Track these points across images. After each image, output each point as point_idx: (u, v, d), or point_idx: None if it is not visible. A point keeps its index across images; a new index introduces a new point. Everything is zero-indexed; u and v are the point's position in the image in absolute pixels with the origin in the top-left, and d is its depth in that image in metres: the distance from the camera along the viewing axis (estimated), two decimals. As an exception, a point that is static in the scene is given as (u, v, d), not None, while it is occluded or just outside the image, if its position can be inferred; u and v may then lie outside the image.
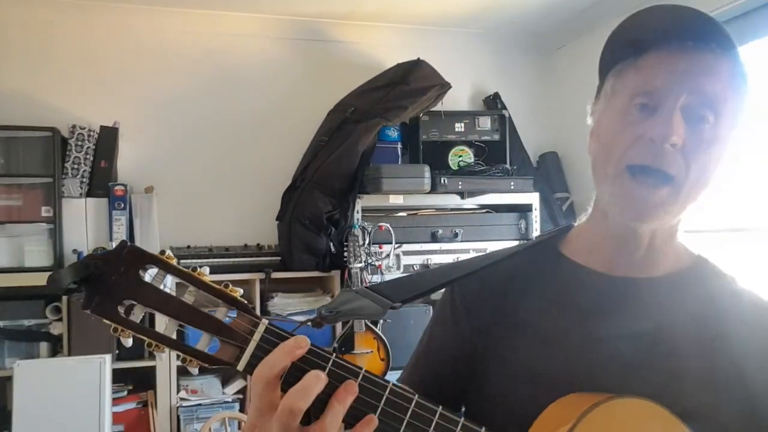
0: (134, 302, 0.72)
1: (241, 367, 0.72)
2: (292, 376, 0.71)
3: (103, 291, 0.71)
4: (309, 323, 0.87)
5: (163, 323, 0.74)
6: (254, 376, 0.71)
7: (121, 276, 0.72)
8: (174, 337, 0.73)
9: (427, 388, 0.93)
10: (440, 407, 0.76)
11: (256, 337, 0.72)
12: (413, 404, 0.74)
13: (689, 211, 0.90)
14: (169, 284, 0.75)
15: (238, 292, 0.75)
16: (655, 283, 0.93)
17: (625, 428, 0.82)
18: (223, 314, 0.74)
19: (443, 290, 1.03)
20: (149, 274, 0.74)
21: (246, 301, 0.74)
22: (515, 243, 3.43)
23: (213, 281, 0.75)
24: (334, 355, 0.75)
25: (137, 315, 0.73)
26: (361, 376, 0.74)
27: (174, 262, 0.74)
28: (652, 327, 0.89)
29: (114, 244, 3.12)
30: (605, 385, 0.85)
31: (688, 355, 0.88)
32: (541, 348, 0.91)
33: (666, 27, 0.86)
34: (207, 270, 0.75)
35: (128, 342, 0.73)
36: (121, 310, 0.72)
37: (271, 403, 0.70)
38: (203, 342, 0.73)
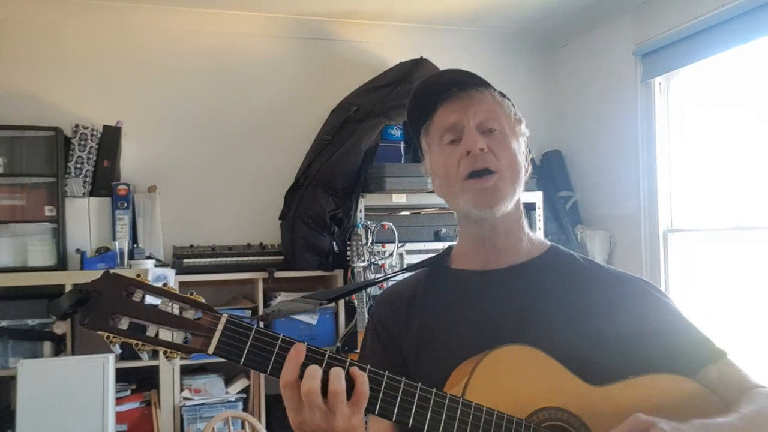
0: (120, 315, 0.91)
1: (211, 350, 0.92)
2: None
3: (95, 310, 0.90)
4: (260, 318, 1.21)
5: (145, 329, 0.93)
6: (282, 386, 0.93)
7: (107, 297, 0.90)
8: (154, 336, 0.92)
9: None
10: (386, 372, 0.98)
11: (220, 327, 0.93)
12: (367, 371, 0.97)
13: (518, 193, 1.21)
14: (147, 299, 0.94)
15: (200, 298, 0.95)
16: (518, 269, 1.22)
17: (515, 366, 1.06)
18: (192, 315, 0.93)
19: (367, 320, 1.37)
20: (130, 293, 0.92)
21: (207, 303, 0.95)
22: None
23: (179, 292, 0.94)
24: (328, 352, 0.96)
25: (124, 325, 0.91)
26: (347, 364, 0.96)
27: (147, 282, 0.94)
28: (520, 302, 1.18)
29: (117, 244, 3.12)
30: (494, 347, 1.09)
31: (552, 319, 1.15)
32: (442, 338, 1.18)
33: (440, 88, 1.22)
34: (173, 283, 0.93)
35: (116, 349, 0.93)
36: (111, 322, 0.90)
37: (300, 399, 0.92)
38: (178, 337, 0.93)
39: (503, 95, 1.27)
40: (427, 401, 0.98)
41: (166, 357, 0.93)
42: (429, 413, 0.97)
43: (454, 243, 1.33)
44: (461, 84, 1.22)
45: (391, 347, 1.23)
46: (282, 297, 3.26)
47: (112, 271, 0.93)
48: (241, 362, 0.93)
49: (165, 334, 0.93)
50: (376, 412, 0.96)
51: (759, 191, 2.90)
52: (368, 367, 0.96)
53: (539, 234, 3.40)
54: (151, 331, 0.92)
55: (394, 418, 0.96)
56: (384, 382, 0.97)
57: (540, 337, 1.10)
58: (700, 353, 1.15)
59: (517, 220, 1.23)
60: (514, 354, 1.06)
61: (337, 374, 0.93)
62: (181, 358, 0.94)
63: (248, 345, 0.93)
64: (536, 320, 1.15)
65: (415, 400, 0.97)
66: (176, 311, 0.93)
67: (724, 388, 1.12)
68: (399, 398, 0.97)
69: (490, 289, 1.21)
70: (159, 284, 0.93)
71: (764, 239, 2.87)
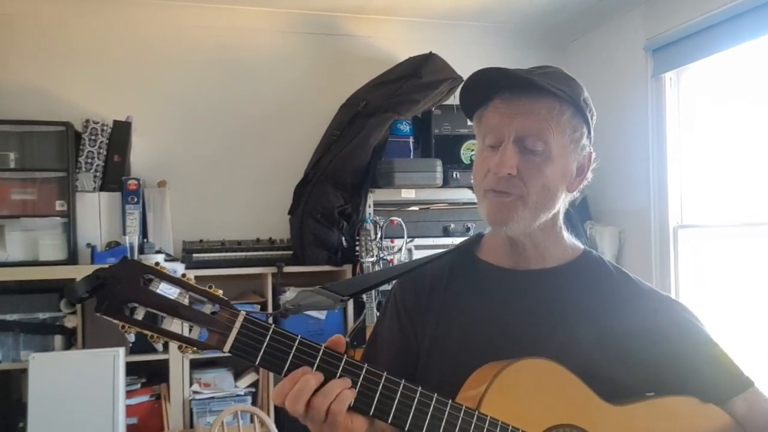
0: (136, 304, 0.89)
1: (226, 348, 0.90)
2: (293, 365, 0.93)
3: (111, 297, 0.89)
4: (278, 314, 1.11)
5: (160, 319, 0.92)
6: (288, 408, 0.92)
7: (124, 284, 0.89)
8: (169, 329, 0.91)
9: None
10: (403, 380, 0.96)
11: (237, 324, 0.91)
12: (383, 379, 0.95)
13: (544, 217, 1.13)
14: (164, 289, 0.92)
15: (219, 292, 0.93)
16: (548, 273, 1.18)
17: (533, 382, 1.03)
18: (209, 309, 0.91)
19: (388, 295, 1.29)
20: (147, 282, 0.90)
21: (226, 298, 0.93)
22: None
23: (198, 284, 0.92)
24: (322, 348, 0.95)
25: (139, 314, 0.90)
26: (343, 360, 0.94)
27: (165, 271, 0.92)
28: (546, 308, 1.14)
29: (127, 238, 3.13)
30: (513, 354, 1.06)
31: (576, 330, 1.11)
32: (459, 333, 1.15)
33: (485, 83, 1.12)
34: (192, 275, 0.90)
35: (131, 337, 0.95)
36: (126, 311, 0.89)
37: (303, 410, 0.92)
38: (194, 332, 0.91)
39: (582, 103, 1.13)
40: (442, 413, 0.96)
41: (180, 350, 0.92)
42: (443, 425, 0.96)
43: (485, 231, 1.28)
44: (517, 88, 1.11)
45: (410, 331, 1.20)
46: (291, 291, 3.27)
47: (129, 258, 0.92)
48: (257, 362, 0.91)
49: (180, 327, 0.91)
50: (390, 421, 0.95)
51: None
52: (384, 374, 0.95)
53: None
54: (166, 323, 0.91)
55: (407, 428, 0.95)
56: (399, 392, 0.95)
57: (562, 350, 1.08)
58: (729, 383, 1.12)
59: (549, 230, 1.18)
60: (534, 368, 1.03)
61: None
62: (193, 353, 0.92)
63: (265, 345, 0.91)
64: (560, 330, 1.12)
65: (430, 410, 0.96)
66: (194, 304, 0.91)
67: (752, 420, 1.10)
68: (414, 407, 0.95)
69: (516, 291, 1.17)
70: (177, 275, 0.92)
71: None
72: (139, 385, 3.05)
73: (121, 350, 2.77)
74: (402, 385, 0.95)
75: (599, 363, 1.08)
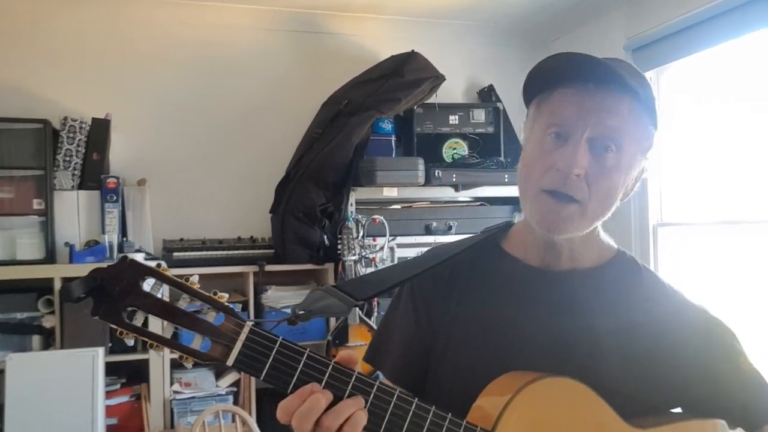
0: (136, 308, 0.85)
1: (230, 362, 0.85)
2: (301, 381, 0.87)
3: (109, 299, 0.84)
4: (286, 322, 1.00)
5: (161, 325, 0.87)
6: (294, 427, 0.87)
7: (123, 286, 0.84)
8: (170, 337, 0.86)
9: (405, 377, 1.11)
10: (416, 399, 0.91)
11: (242, 336, 0.85)
12: (395, 398, 0.90)
13: (599, 222, 1.06)
14: (165, 293, 0.87)
15: (225, 297, 0.87)
16: (579, 276, 1.09)
17: (553, 403, 0.96)
18: (213, 317, 0.86)
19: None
20: (148, 284, 0.86)
21: (231, 306, 0.88)
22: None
23: (201, 289, 0.87)
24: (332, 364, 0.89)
25: (138, 319, 0.85)
26: (353, 377, 0.89)
27: (168, 273, 0.86)
28: (576, 314, 1.05)
29: (106, 237, 3.10)
30: (537, 363, 0.99)
31: (608, 339, 1.03)
32: (485, 333, 1.06)
33: (573, 69, 1.01)
34: (197, 278, 0.87)
35: (131, 342, 0.89)
36: (124, 315, 0.84)
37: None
38: (196, 341, 0.86)
39: (654, 108, 1.03)
40: None
41: (181, 360, 0.86)
42: None
43: (513, 220, 1.19)
44: (601, 80, 0.99)
45: (425, 322, 1.12)
46: (272, 290, 3.26)
47: (129, 258, 0.86)
48: (262, 377, 0.86)
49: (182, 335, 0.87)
50: None
51: (748, 186, 2.92)
52: (397, 392, 0.90)
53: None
54: (167, 331, 0.85)
55: None
56: (412, 411, 0.90)
57: (585, 363, 1.01)
58: (762, 409, 1.05)
59: (589, 233, 1.08)
60: (556, 387, 0.96)
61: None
62: (194, 364, 0.87)
63: (271, 359, 0.86)
64: (585, 341, 1.03)
65: None
66: (197, 311, 0.86)
67: None
68: (426, 428, 0.91)
69: (542, 293, 1.08)
70: (182, 278, 0.88)
71: (752, 233, 2.89)
72: (118, 386, 3.02)
73: (101, 350, 2.75)
74: (414, 404, 0.90)
75: (625, 382, 1.01)
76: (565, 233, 1.02)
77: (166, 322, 0.86)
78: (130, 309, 0.84)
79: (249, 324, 0.86)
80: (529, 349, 1.02)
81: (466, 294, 1.11)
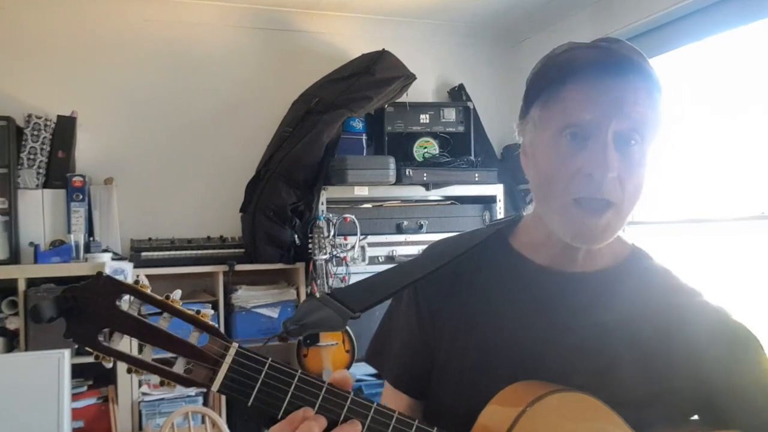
0: (112, 330, 0.79)
1: (215, 388, 0.79)
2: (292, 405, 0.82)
3: (83, 321, 0.77)
4: (276, 338, 0.96)
5: (139, 348, 0.81)
6: None
7: (99, 306, 0.78)
8: (151, 360, 0.80)
9: (406, 379, 1.06)
10: (416, 421, 0.85)
11: (228, 359, 0.80)
12: (394, 420, 0.85)
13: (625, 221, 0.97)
14: (144, 312, 0.81)
15: (208, 315, 0.82)
16: (592, 278, 1.00)
17: (566, 419, 0.88)
18: (195, 338, 0.81)
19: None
20: (125, 302, 0.79)
21: (216, 326, 0.82)
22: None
23: (184, 307, 0.81)
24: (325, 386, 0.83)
25: (116, 341, 0.79)
26: (349, 399, 0.83)
27: (148, 290, 0.80)
28: (588, 319, 0.97)
29: (72, 237, 3.04)
30: (548, 371, 0.93)
31: (622, 346, 0.95)
32: (490, 333, 0.99)
33: (585, 61, 0.91)
34: (179, 294, 0.82)
35: (109, 365, 0.82)
36: (100, 338, 0.78)
37: None
38: (179, 365, 0.80)
39: (660, 91, 0.94)
40: None
41: (163, 385, 0.81)
42: None
43: (522, 213, 1.11)
44: (618, 69, 0.90)
45: (428, 323, 1.04)
46: (242, 290, 3.23)
47: (104, 275, 0.79)
48: (249, 402, 0.80)
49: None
50: None
51: (713, 185, 2.97)
52: (396, 414, 0.85)
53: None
54: (146, 354, 0.79)
55: None
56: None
57: (598, 374, 0.94)
58: None
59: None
60: (569, 402, 0.89)
61: None
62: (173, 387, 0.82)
63: (259, 383, 0.80)
64: (600, 348, 0.95)
65: None
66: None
67: None
68: None
69: (555, 296, 0.99)
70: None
71: (720, 232, 2.95)
72: (85, 388, 2.97)
73: (67, 352, 2.70)
74: (415, 427, 0.85)
75: (638, 388, 0.94)
76: (603, 243, 0.95)
77: (146, 345, 0.80)
78: (106, 330, 0.79)
79: (235, 345, 0.80)
80: (539, 356, 0.95)
81: (472, 295, 1.03)
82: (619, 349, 0.95)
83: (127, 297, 0.79)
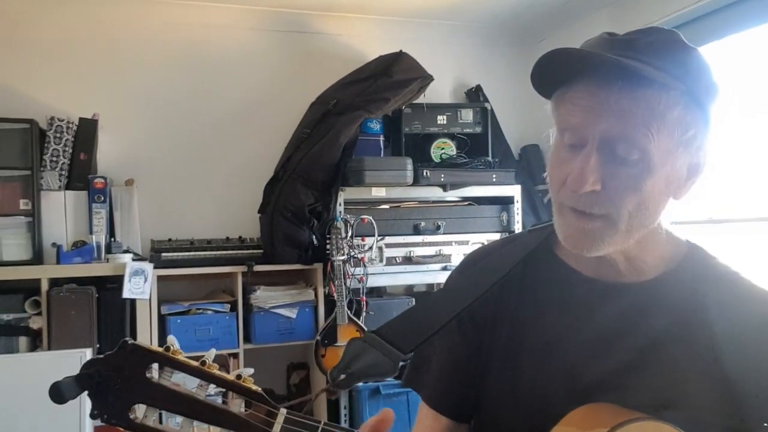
0: (144, 404, 0.71)
1: None
2: None
3: (111, 398, 0.70)
4: (324, 393, 0.85)
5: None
6: None
7: (126, 379, 0.70)
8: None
9: (448, 401, 1.02)
10: None
11: (276, 428, 0.71)
12: None
13: (644, 231, 0.91)
14: (178, 380, 0.73)
15: (251, 380, 0.73)
16: (642, 288, 0.94)
17: None
18: (238, 406, 0.73)
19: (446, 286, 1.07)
20: (156, 371, 0.72)
21: (260, 391, 0.73)
22: (497, 235, 3.45)
23: (223, 374, 0.73)
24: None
25: (149, 416, 0.71)
26: None
27: (180, 356, 0.72)
28: (645, 334, 0.91)
29: (94, 237, 3.06)
30: (602, 390, 0.88)
31: (681, 364, 0.89)
32: (542, 353, 0.94)
33: (572, 66, 0.87)
34: (213, 354, 0.75)
35: None
36: (131, 415, 0.71)
37: None
38: None
39: (701, 89, 0.87)
40: None
41: None
42: None
43: None
44: (610, 76, 0.84)
45: (475, 344, 0.98)
46: (261, 290, 3.25)
47: (130, 342, 0.71)
48: None
49: (200, 428, 0.74)
50: None
51: (733, 185, 2.94)
52: None
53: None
54: (185, 427, 0.73)
55: None
56: None
57: (663, 395, 0.87)
58: None
59: (648, 240, 0.93)
60: (647, 430, 0.82)
61: None
62: None
63: None
64: (661, 370, 0.89)
65: None
66: (218, 399, 0.73)
67: None
68: None
69: (605, 310, 0.93)
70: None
71: (737, 232, 2.92)
72: (106, 387, 3.00)
73: (88, 351, 2.73)
74: None
75: (705, 408, 0.87)
76: (594, 251, 0.89)
77: (182, 417, 0.73)
78: (138, 407, 0.72)
79: (283, 412, 0.72)
80: (592, 374, 0.90)
81: (520, 304, 0.98)
82: (680, 369, 0.89)
83: (158, 366, 0.71)
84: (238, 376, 0.73)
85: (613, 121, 0.83)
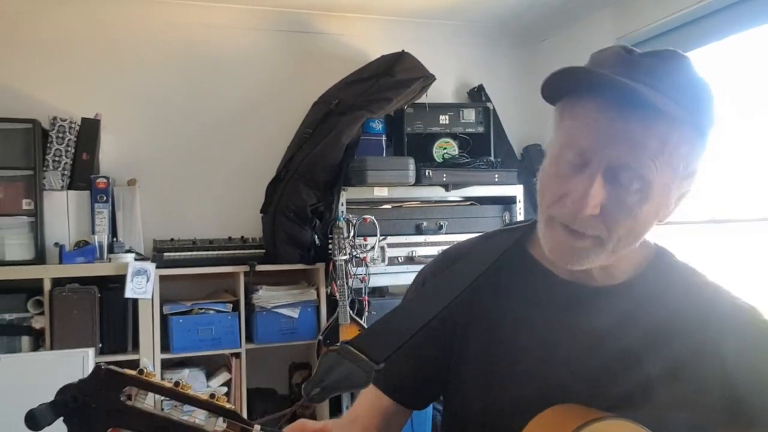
0: (119, 428, 0.72)
1: None
2: None
3: (87, 423, 0.70)
4: (296, 409, 0.90)
5: None
6: None
7: (101, 403, 0.70)
8: None
9: (411, 396, 1.04)
10: None
11: None
12: None
13: (627, 250, 0.93)
14: (152, 402, 0.74)
15: (224, 399, 0.75)
16: (614, 291, 0.97)
17: None
18: (213, 425, 0.75)
19: (418, 278, 1.09)
20: (129, 395, 0.72)
21: (234, 409, 0.74)
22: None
23: (197, 394, 0.75)
24: None
25: None
26: None
27: (154, 378, 0.72)
28: (611, 334, 0.94)
29: (96, 237, 3.06)
30: (575, 394, 0.90)
31: (647, 363, 0.92)
32: (516, 356, 0.96)
33: (593, 85, 0.86)
34: (186, 373, 0.74)
35: None
36: None
37: None
38: None
39: (706, 124, 0.88)
40: None
41: None
42: None
43: (537, 218, 1.03)
44: (629, 103, 0.83)
45: (444, 336, 1.00)
46: (263, 290, 3.26)
47: (103, 367, 0.72)
48: None
49: None
50: None
51: (735, 184, 2.94)
52: None
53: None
54: None
55: None
56: None
57: (630, 395, 0.91)
58: None
59: (624, 254, 0.95)
60: (613, 428, 0.84)
61: None
62: None
63: None
64: (630, 368, 0.92)
65: None
66: (192, 419, 0.75)
67: None
68: None
69: (577, 310, 0.96)
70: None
71: (739, 232, 2.91)
72: (109, 386, 3.00)
73: (91, 351, 2.73)
74: None
75: (671, 416, 0.89)
76: (578, 266, 0.91)
77: None
78: (113, 430, 0.72)
79: (257, 428, 0.74)
80: (565, 377, 0.93)
81: (494, 302, 1.00)
82: (646, 367, 0.92)
83: (132, 389, 0.72)
84: (212, 395, 0.75)
85: (624, 150, 0.84)
